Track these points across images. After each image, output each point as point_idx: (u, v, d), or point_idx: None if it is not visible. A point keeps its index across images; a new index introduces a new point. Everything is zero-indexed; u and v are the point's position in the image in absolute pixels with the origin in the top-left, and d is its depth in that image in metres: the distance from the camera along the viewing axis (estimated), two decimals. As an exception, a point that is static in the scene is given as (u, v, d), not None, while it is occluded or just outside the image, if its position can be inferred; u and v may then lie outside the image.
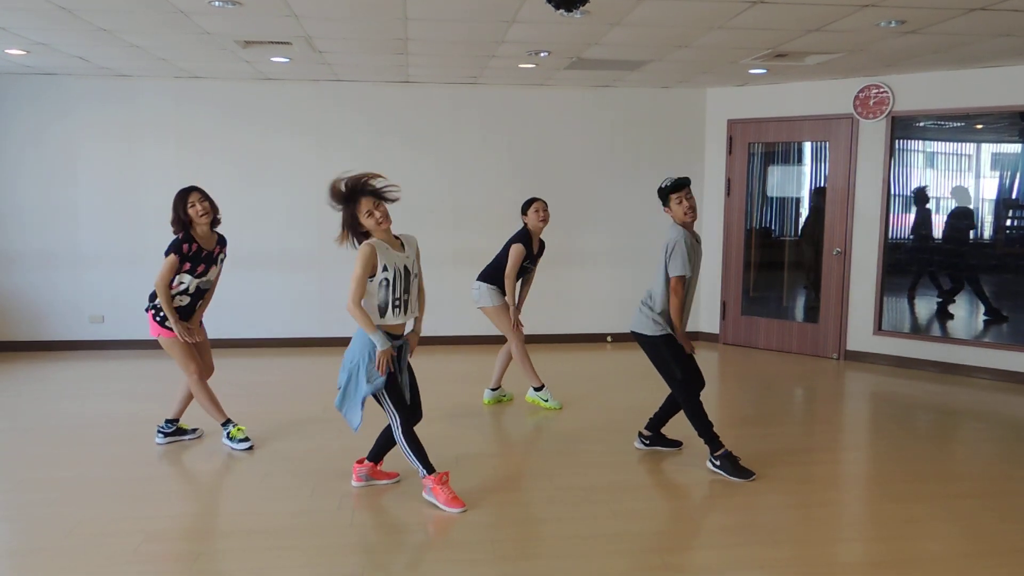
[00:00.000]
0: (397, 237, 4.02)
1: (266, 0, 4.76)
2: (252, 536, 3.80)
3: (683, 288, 4.45)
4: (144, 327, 7.83)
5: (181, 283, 4.70)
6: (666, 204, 4.54)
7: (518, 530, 3.90)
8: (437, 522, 3.92)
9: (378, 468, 4.32)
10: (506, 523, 3.96)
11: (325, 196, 3.93)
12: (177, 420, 5.10)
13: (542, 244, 5.88)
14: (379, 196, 3.89)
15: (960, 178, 7.79)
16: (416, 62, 6.76)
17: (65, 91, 7.60)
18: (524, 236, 5.67)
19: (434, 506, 4.04)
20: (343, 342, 7.87)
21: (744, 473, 4.50)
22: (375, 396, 3.97)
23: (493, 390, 6.01)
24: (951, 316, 7.70)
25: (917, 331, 7.62)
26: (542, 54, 6.32)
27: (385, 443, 4.24)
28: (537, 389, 5.95)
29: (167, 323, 4.71)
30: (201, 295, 4.84)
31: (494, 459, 4.97)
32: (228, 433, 4.95)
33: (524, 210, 5.73)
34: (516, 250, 5.61)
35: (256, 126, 7.84)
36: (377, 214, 3.85)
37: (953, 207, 7.68)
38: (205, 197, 4.75)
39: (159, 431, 5.05)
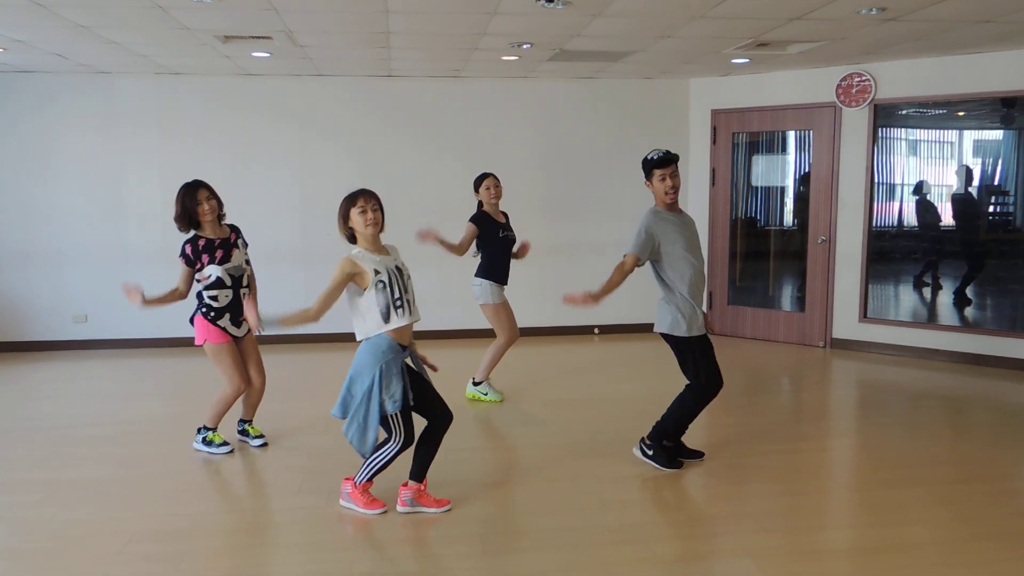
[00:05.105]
0: (384, 246, 3.95)
1: (245, -6, 4.72)
2: (239, 534, 3.78)
3: (632, 266, 4.23)
4: (128, 326, 7.89)
5: (209, 276, 4.57)
6: (648, 178, 4.33)
7: (507, 523, 3.89)
8: (425, 517, 3.90)
9: (424, 490, 3.95)
10: (495, 516, 3.95)
11: (315, 193, 3.89)
12: (249, 420, 5.04)
13: (506, 215, 5.92)
14: (379, 203, 3.85)
15: (943, 165, 7.83)
16: (398, 55, 6.72)
17: (44, 89, 7.50)
18: (480, 216, 5.75)
19: (351, 510, 3.94)
20: (328, 339, 7.96)
21: (674, 463, 4.49)
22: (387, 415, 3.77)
23: (476, 384, 5.97)
24: (969, 302, 7.69)
25: (929, 320, 7.62)
26: (525, 46, 6.30)
27: (425, 455, 3.91)
28: (476, 384, 5.95)
29: (219, 321, 4.62)
30: (239, 283, 4.67)
31: (482, 453, 4.96)
32: (205, 438, 4.86)
33: (476, 187, 5.81)
34: (469, 228, 5.70)
35: (238, 122, 7.78)
36: (369, 214, 3.78)
37: (953, 192, 7.69)
38: (212, 195, 4.67)
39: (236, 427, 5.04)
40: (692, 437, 4.70)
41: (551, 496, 4.15)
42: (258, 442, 4.95)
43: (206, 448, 4.85)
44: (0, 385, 6.55)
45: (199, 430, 4.90)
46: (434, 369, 4.04)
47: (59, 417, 5.63)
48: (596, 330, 8.50)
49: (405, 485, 3.96)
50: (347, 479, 4.02)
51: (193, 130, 7.71)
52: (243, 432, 5.04)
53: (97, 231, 7.73)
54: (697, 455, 4.64)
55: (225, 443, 4.86)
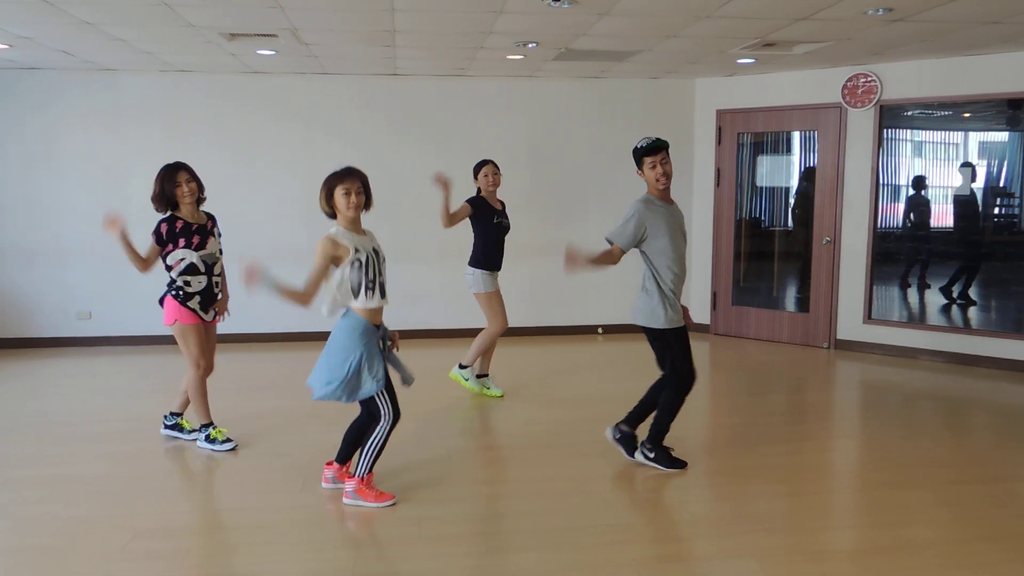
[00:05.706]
0: (363, 229, 4.00)
1: (250, -9, 4.72)
2: (242, 532, 3.78)
3: (619, 256, 4.28)
4: (132, 322, 7.90)
5: (183, 260, 4.60)
6: (640, 167, 4.35)
7: (510, 523, 3.89)
8: (429, 516, 3.90)
9: (345, 471, 4.19)
10: (498, 516, 3.95)
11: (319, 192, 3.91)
12: (180, 414, 5.07)
13: (503, 203, 5.98)
14: (367, 188, 3.89)
15: (949, 166, 7.81)
16: (404, 54, 6.72)
17: (49, 85, 7.52)
18: (477, 200, 5.79)
19: (359, 506, 3.96)
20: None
21: (678, 463, 4.48)
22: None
23: (462, 367, 6.03)
24: (968, 303, 7.67)
25: (933, 321, 7.58)
26: (530, 45, 6.29)
27: (353, 442, 4.13)
28: (462, 367, 6.02)
29: (189, 303, 4.64)
30: (211, 271, 4.70)
31: (484, 452, 4.96)
32: (208, 435, 4.86)
33: (475, 173, 5.85)
34: (464, 206, 5.73)
35: (243, 120, 7.78)
36: (353, 197, 3.84)
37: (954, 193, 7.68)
38: (192, 178, 4.67)
39: (164, 421, 5.09)
40: (691, 437, 4.69)
41: (551, 496, 4.14)
42: (226, 447, 4.86)
43: (209, 446, 4.85)
44: (4, 381, 6.57)
45: (200, 428, 4.90)
46: (395, 347, 4.09)
47: (63, 414, 5.64)
48: (600, 330, 8.50)
49: (329, 464, 4.20)
50: (344, 477, 4.10)
51: (198, 128, 7.72)
52: (175, 427, 5.04)
53: (101, 228, 7.71)
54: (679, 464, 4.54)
55: (228, 440, 4.86)
